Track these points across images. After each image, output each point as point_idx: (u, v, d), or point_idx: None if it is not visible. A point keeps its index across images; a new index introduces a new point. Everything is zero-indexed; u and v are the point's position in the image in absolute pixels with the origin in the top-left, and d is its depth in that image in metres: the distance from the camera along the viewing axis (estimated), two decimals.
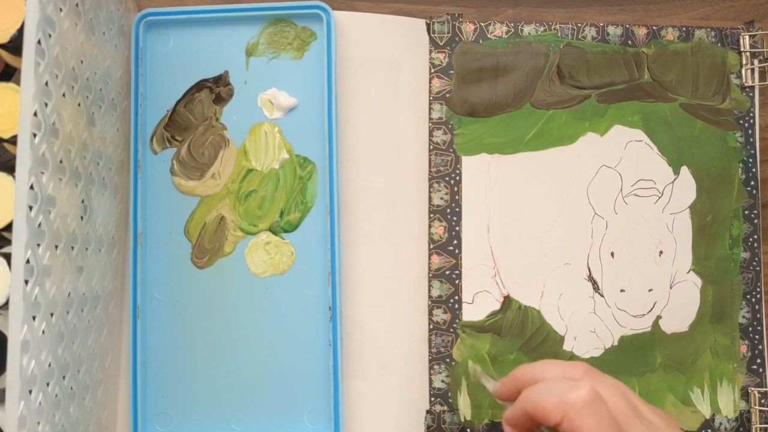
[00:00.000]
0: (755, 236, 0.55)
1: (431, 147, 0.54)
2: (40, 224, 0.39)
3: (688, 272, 0.54)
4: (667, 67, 0.55)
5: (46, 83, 0.40)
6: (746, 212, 0.55)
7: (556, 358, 0.53)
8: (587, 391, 0.34)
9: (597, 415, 0.33)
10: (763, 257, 0.54)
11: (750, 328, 0.54)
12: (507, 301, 0.53)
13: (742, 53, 0.56)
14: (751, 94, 0.56)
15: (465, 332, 0.53)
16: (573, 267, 0.54)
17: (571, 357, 0.53)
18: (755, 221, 0.55)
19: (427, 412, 0.52)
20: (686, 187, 0.55)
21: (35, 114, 0.38)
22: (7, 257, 0.40)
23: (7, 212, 0.42)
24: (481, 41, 0.55)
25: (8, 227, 0.42)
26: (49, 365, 0.41)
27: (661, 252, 0.54)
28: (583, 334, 0.53)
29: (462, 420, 0.52)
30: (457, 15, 0.55)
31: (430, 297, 0.53)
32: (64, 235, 0.43)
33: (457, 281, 0.53)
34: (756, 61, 0.56)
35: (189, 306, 0.53)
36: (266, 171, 0.54)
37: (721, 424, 0.53)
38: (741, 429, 0.53)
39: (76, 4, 0.45)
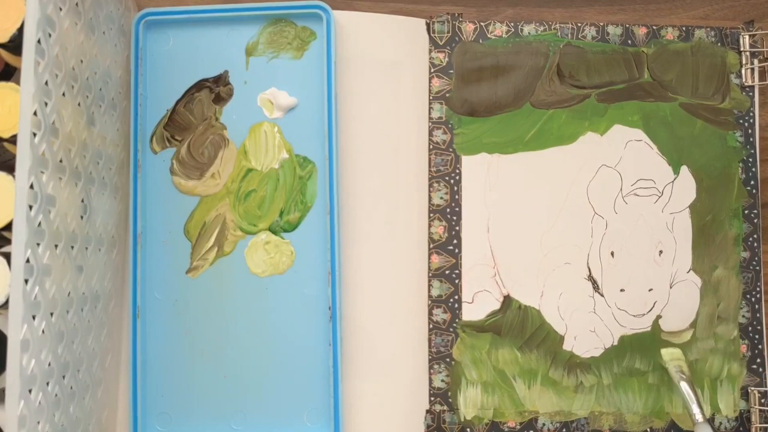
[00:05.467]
0: (755, 236, 0.55)
1: (431, 147, 0.54)
2: (39, 223, 0.39)
3: (688, 272, 0.54)
4: (666, 67, 0.55)
5: (46, 83, 0.40)
6: (746, 212, 0.55)
7: (555, 358, 0.53)
8: None
9: None
10: (763, 257, 0.54)
11: (750, 328, 0.54)
12: (507, 300, 0.53)
13: (742, 53, 0.56)
14: (750, 94, 0.56)
15: (465, 332, 0.53)
16: (573, 266, 0.54)
17: (571, 357, 0.53)
18: (755, 221, 0.55)
19: (427, 411, 0.52)
20: (686, 186, 0.55)
21: (35, 113, 0.38)
22: (7, 256, 0.40)
23: (7, 212, 0.42)
24: (481, 41, 0.55)
25: (8, 227, 0.42)
26: (49, 365, 0.41)
27: (661, 251, 0.54)
28: (583, 333, 0.53)
29: (462, 420, 0.52)
30: (457, 15, 0.56)
31: (430, 297, 0.53)
32: (63, 235, 0.43)
33: (457, 281, 0.53)
34: (756, 61, 0.56)
35: (189, 306, 0.53)
36: (266, 171, 0.54)
37: (721, 423, 0.53)
38: (741, 429, 0.53)
39: (76, 4, 0.45)
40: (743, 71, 0.56)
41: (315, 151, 0.54)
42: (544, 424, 0.52)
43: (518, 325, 0.53)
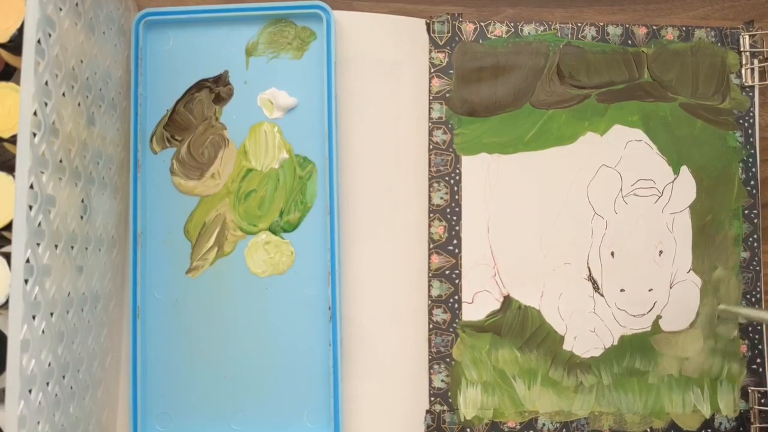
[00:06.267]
0: (755, 236, 0.55)
1: (431, 147, 0.54)
2: (39, 224, 0.39)
3: (688, 272, 0.54)
4: (666, 67, 0.55)
5: (46, 83, 0.40)
6: (746, 212, 0.55)
7: (555, 358, 0.53)
8: None
9: None
10: (763, 257, 0.54)
11: (750, 328, 0.54)
12: (507, 300, 0.53)
13: (742, 53, 0.56)
14: (750, 94, 0.56)
15: (465, 332, 0.53)
16: (573, 267, 0.54)
17: (571, 357, 0.53)
18: (755, 221, 0.55)
19: (427, 411, 0.52)
20: (686, 186, 0.55)
21: (35, 113, 0.38)
22: (7, 257, 0.40)
23: (7, 212, 0.42)
24: (481, 41, 0.55)
25: (8, 227, 0.42)
26: (49, 365, 0.41)
27: (661, 252, 0.54)
28: (583, 333, 0.53)
29: (462, 420, 0.52)
30: (457, 15, 0.56)
31: (430, 297, 0.53)
32: (63, 235, 0.43)
33: (457, 281, 0.53)
34: (756, 61, 0.56)
35: (189, 306, 0.53)
36: (266, 171, 0.54)
37: (721, 423, 0.53)
38: (741, 429, 0.53)
39: (76, 4, 0.45)
40: (743, 71, 0.56)
41: (315, 151, 0.54)
42: (544, 424, 0.52)
43: (518, 325, 0.53)
